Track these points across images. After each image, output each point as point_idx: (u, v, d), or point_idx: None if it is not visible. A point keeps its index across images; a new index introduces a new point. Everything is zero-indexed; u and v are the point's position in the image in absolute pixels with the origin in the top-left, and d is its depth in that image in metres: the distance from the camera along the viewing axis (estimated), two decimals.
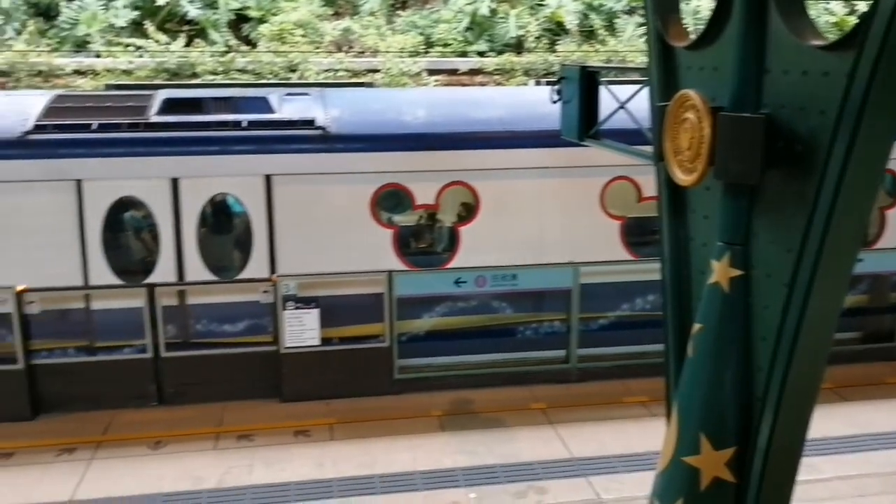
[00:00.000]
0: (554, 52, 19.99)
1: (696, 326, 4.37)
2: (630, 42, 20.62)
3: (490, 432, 8.83)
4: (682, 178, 4.25)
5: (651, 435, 7.80)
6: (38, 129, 9.43)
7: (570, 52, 19.76)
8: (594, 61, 18.56)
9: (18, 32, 19.34)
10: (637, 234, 10.31)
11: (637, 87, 7.04)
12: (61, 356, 9.36)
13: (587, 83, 8.25)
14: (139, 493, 7.66)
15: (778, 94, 3.85)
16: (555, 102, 8.73)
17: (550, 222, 10.18)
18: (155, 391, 9.45)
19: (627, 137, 7.52)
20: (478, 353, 10.07)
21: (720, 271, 4.22)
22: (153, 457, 8.36)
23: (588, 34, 21.06)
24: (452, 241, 10.22)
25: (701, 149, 4.04)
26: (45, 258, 9.30)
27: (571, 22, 20.73)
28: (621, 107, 7.49)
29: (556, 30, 21.15)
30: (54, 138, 9.41)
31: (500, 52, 19.88)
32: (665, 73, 4.78)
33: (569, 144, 8.88)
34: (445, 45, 20.11)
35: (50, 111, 9.75)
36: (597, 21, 21.09)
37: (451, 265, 10.07)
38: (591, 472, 8.00)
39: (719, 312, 4.26)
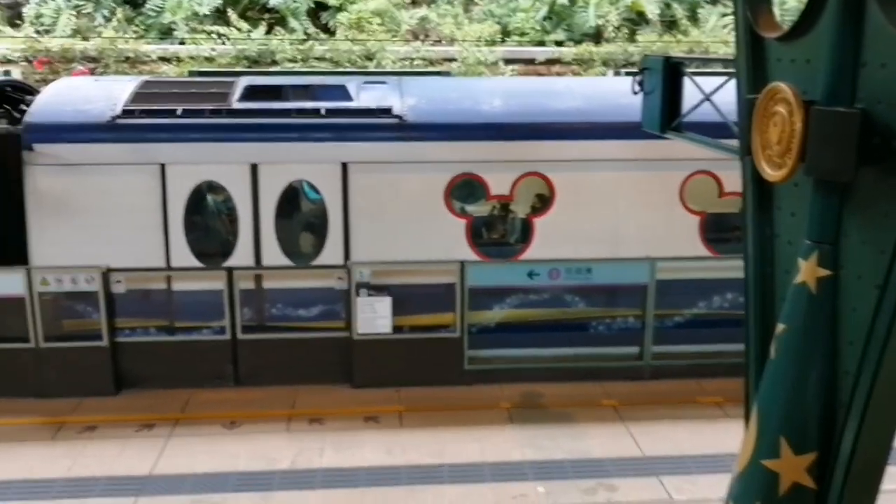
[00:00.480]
0: (634, 42, 19.63)
1: (780, 327, 4.23)
2: (713, 32, 20.09)
3: (559, 427, 8.76)
4: (771, 173, 4.10)
5: (726, 436, 7.64)
6: (126, 113, 9.73)
7: (651, 42, 19.38)
8: (675, 52, 18.15)
9: (107, 20, 20.02)
10: (717, 230, 10.06)
11: (722, 79, 6.84)
12: (143, 335, 9.68)
13: (670, 74, 8.03)
14: (214, 471, 7.86)
15: (874, 89, 3.67)
16: (636, 93, 8.53)
17: (627, 216, 10.01)
18: (231, 372, 9.68)
19: (709, 130, 7.31)
20: (549, 347, 9.99)
21: (807, 271, 4.07)
22: (228, 436, 8.57)
23: (669, 24, 20.61)
24: (526, 233, 10.14)
25: (791, 143, 3.89)
26: (130, 239, 9.61)
27: (653, 12, 20.32)
28: (706, 99, 7.27)
29: (636, 20, 20.76)
30: (141, 123, 9.70)
31: (578, 42, 19.63)
32: (754, 65, 4.61)
33: (648, 137, 8.70)
34: (522, 34, 19.96)
35: (137, 96, 10.04)
36: (679, 11, 20.62)
37: (524, 257, 10.01)
38: (664, 472, 7.86)
39: (805, 313, 4.11)
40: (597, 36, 20.16)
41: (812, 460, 4.14)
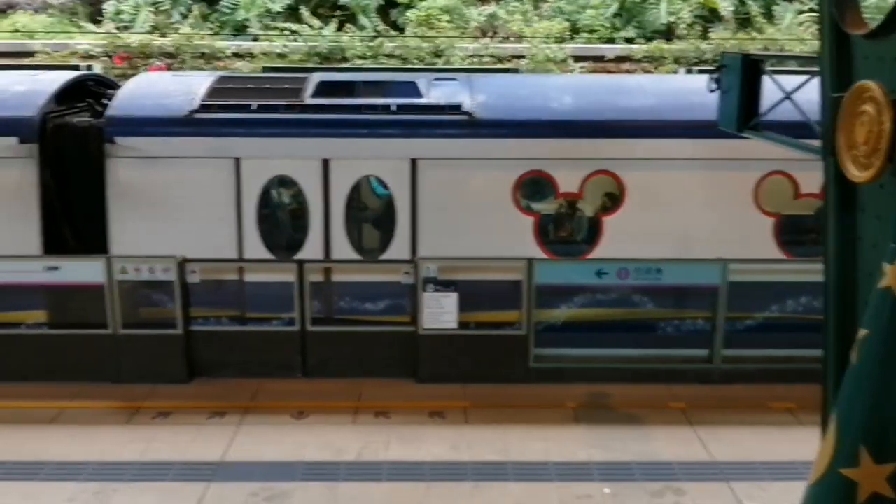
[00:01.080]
0: (707, 39, 19.25)
1: (862, 332, 4.09)
2: (789, 30, 19.55)
3: (626, 428, 8.67)
4: (856, 174, 3.99)
5: (798, 443, 7.48)
6: (203, 108, 9.98)
7: (724, 39, 18.95)
8: (750, 49, 17.73)
9: (184, 17, 20.55)
10: (792, 233, 9.81)
11: (800, 77, 6.67)
12: (216, 324, 9.91)
13: (749, 72, 7.86)
14: (282, 459, 8.01)
15: None
16: (712, 91, 8.38)
17: (699, 216, 9.84)
18: (300, 363, 9.85)
19: (786, 130, 7.14)
20: (616, 347, 9.87)
21: (893, 275, 3.94)
22: (296, 426, 8.72)
23: (743, 21, 20.13)
24: (595, 232, 10.06)
25: (879, 144, 3.77)
26: (205, 231, 9.87)
27: (726, 8, 19.88)
28: (787, 97, 7.10)
29: (709, 16, 20.34)
30: (217, 117, 9.94)
31: (648, 40, 19.33)
32: (839, 63, 4.48)
33: (722, 136, 8.53)
34: (592, 31, 19.76)
35: (213, 92, 10.29)
36: (753, 7, 20.12)
37: (592, 256, 9.93)
38: (733, 478, 7.70)
39: (889, 318, 3.96)
40: (668, 33, 19.83)
41: (893, 469, 4.02)
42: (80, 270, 9.68)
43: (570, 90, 10.50)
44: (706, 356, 9.77)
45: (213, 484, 7.58)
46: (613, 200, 10.01)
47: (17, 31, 20.25)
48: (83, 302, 9.72)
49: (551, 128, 9.90)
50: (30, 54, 19.06)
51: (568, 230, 10.33)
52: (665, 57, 18.49)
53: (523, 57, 18.32)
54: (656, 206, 9.88)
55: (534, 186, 10.04)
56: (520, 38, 19.31)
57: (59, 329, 9.82)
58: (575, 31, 19.92)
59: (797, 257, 9.59)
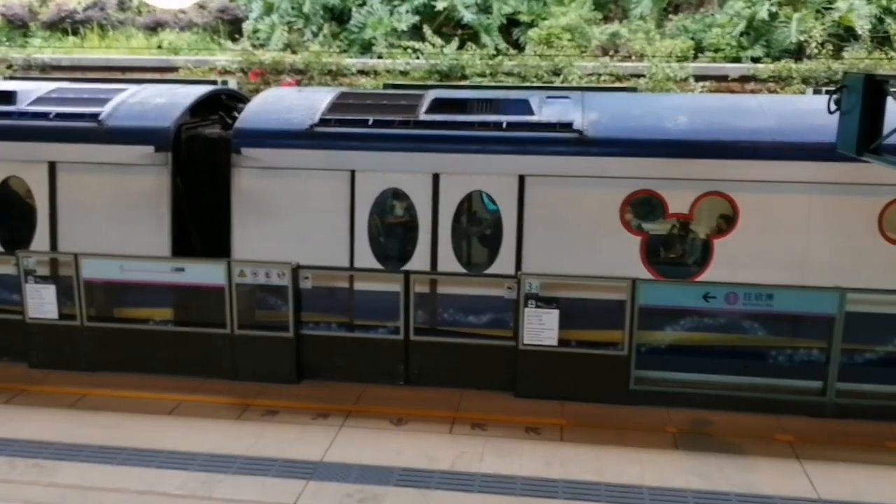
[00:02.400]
0: (839, 59, 18.39)
1: None
2: None
3: (727, 458, 8.38)
4: None
5: None
6: (323, 122, 10.44)
7: (858, 59, 18.04)
8: (885, 69, 16.82)
9: (315, 35, 21.43)
10: None
11: None
12: (325, 329, 10.28)
13: (872, 93, 7.54)
14: (379, 464, 8.21)
15: None
16: (832, 112, 8.08)
17: (817, 242, 9.46)
18: (402, 371, 10.08)
19: None
20: (722, 374, 9.55)
21: None
22: (394, 432, 8.93)
23: (881, 40, 19.10)
24: (704, 254, 9.83)
25: None
26: (319, 239, 10.29)
27: (863, 27, 18.91)
28: None
29: (843, 35, 19.42)
30: (335, 131, 10.37)
31: (776, 59, 18.65)
32: None
33: (845, 159, 8.19)
34: (717, 49, 19.25)
35: (334, 107, 10.74)
36: (893, 26, 19.06)
37: (700, 278, 9.70)
38: None
39: None
40: (798, 52, 19.07)
41: None
42: (204, 272, 10.24)
43: (684, 109, 10.32)
44: (819, 388, 9.31)
45: (311, 482, 7.87)
46: (725, 222, 9.75)
47: (159, 47, 21.70)
48: (205, 302, 10.29)
49: (663, 147, 9.77)
50: (174, 69, 20.41)
51: (676, 251, 10.14)
52: (793, 77, 17.79)
53: (643, 76, 18.07)
54: (771, 230, 9.57)
55: (642, 206, 9.93)
56: (641, 56, 19.05)
57: (182, 326, 10.46)
58: (699, 49, 19.47)
59: None
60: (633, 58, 19.32)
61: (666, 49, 18.73)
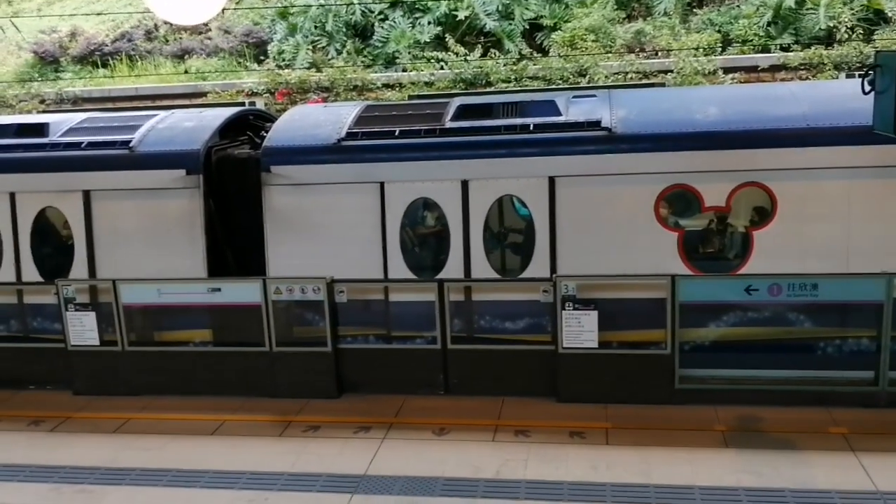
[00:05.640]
0: (870, 43, 18.01)
1: None
2: None
3: (779, 454, 8.15)
4: None
5: None
6: (350, 136, 10.45)
7: (891, 41, 17.66)
8: None
9: (339, 52, 21.58)
10: None
11: None
12: (362, 342, 10.25)
13: None
14: (423, 475, 8.13)
15: None
16: (867, 93, 7.88)
17: (859, 227, 9.21)
18: (442, 380, 10.00)
19: None
20: (769, 368, 9.32)
21: None
22: (437, 442, 8.84)
23: None
24: (744, 246, 9.63)
25: None
26: (352, 253, 10.28)
27: (893, 9, 18.51)
28: None
29: (873, 19, 19.02)
30: (363, 144, 10.37)
31: (806, 46, 18.32)
32: None
33: (883, 141, 7.98)
34: (745, 41, 18.97)
35: (360, 120, 10.75)
36: None
37: (741, 271, 9.50)
38: None
39: None
40: (828, 38, 18.72)
41: None
42: (240, 291, 10.28)
43: (714, 101, 10.15)
44: (871, 378, 9.04)
45: (356, 496, 7.81)
46: (764, 213, 9.55)
47: (187, 72, 22.00)
48: (242, 321, 10.32)
49: (695, 140, 9.60)
50: (202, 94, 20.67)
51: (715, 245, 9.94)
52: (824, 63, 17.45)
53: (670, 71, 17.87)
54: (812, 217, 9.35)
55: (677, 201, 9.76)
56: (667, 52, 18.86)
57: (221, 346, 10.50)
58: (727, 42, 19.21)
59: None
60: (659, 54, 19.13)
61: (692, 43, 18.51)
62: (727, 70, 17.74)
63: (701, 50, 18.33)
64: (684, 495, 7.53)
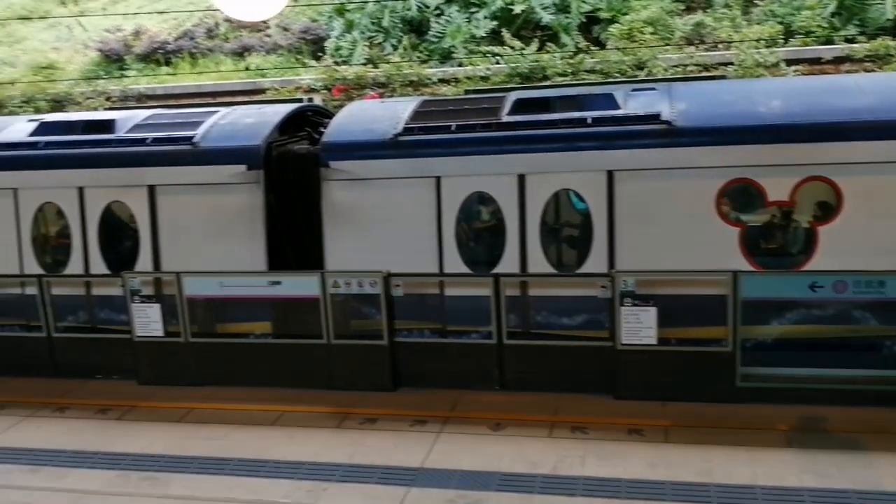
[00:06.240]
0: None
1: None
2: None
3: (845, 454, 7.96)
4: None
5: None
6: (407, 131, 10.50)
7: None
8: None
9: (395, 48, 21.66)
10: None
11: None
12: (418, 336, 10.31)
13: None
14: (478, 469, 8.15)
15: None
16: None
17: None
18: (497, 376, 9.99)
19: None
20: (834, 367, 9.09)
21: None
22: (492, 437, 8.85)
23: None
24: (809, 242, 9.40)
25: None
26: (408, 247, 10.33)
27: None
28: None
29: None
30: (419, 139, 10.41)
31: (871, 37, 17.74)
32: None
33: None
34: (808, 32, 18.46)
35: (416, 115, 10.80)
36: None
37: (805, 268, 9.28)
38: None
39: None
40: (894, 29, 18.09)
41: None
42: (299, 285, 10.45)
43: (777, 93, 9.93)
44: None
45: (413, 489, 7.87)
46: (829, 208, 9.31)
47: (247, 69, 22.36)
48: (303, 314, 10.47)
49: (758, 133, 9.41)
50: (262, 91, 20.97)
51: (778, 241, 9.72)
52: (891, 55, 16.87)
53: (731, 64, 17.49)
54: (881, 213, 9.08)
55: (739, 195, 9.57)
56: (727, 45, 18.46)
57: (280, 339, 10.67)
58: (789, 33, 18.72)
59: None
60: (720, 46, 18.74)
61: (754, 35, 18.08)
62: (790, 62, 17.27)
63: (762, 42, 17.88)
64: (746, 495, 7.41)
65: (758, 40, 17.81)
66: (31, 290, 11.46)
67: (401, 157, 10.43)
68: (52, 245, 11.87)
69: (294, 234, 11.46)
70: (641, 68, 17.81)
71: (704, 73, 16.51)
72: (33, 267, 11.66)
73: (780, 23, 18.97)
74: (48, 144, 11.66)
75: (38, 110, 20.65)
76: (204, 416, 9.85)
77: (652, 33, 19.08)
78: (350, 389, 10.14)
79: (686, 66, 17.72)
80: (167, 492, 8.13)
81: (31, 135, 11.94)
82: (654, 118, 9.72)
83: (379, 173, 10.49)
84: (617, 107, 10.07)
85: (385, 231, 10.44)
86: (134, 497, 8.08)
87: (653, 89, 10.52)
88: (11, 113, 20.35)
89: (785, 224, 9.64)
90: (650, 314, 9.22)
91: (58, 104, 21.32)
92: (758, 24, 19.06)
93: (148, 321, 10.83)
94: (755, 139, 9.34)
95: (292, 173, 11.26)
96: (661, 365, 9.31)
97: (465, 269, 10.24)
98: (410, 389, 10.17)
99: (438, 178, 10.25)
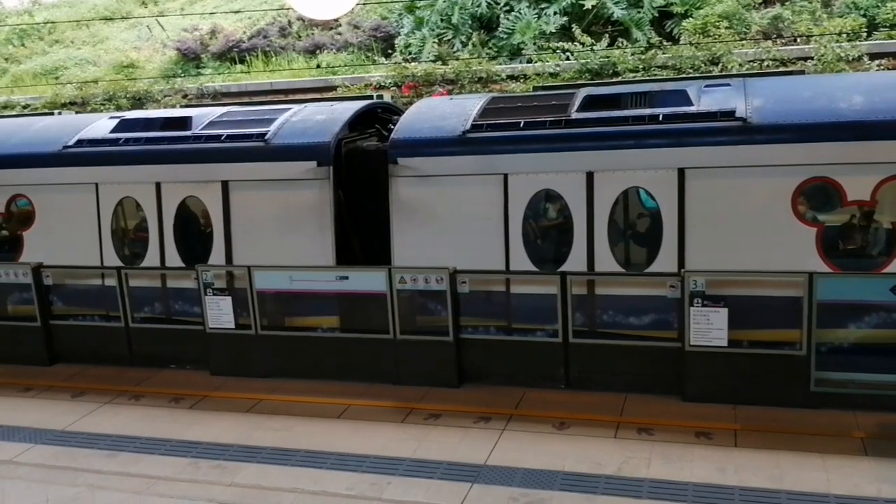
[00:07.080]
0: None
1: None
2: None
3: None
4: None
5: None
6: (475, 128, 10.50)
7: None
8: None
9: (464, 45, 21.67)
10: None
11: None
12: (483, 333, 10.30)
13: None
14: (542, 468, 8.10)
15: None
16: None
17: None
18: (563, 374, 9.92)
19: None
20: None
21: None
22: (557, 436, 8.79)
23: None
24: (890, 243, 9.04)
25: None
26: (475, 244, 10.34)
27: None
28: None
29: None
30: (487, 136, 10.39)
31: None
32: None
33: None
34: (892, 25, 17.74)
35: (485, 112, 10.78)
36: None
37: (886, 270, 8.92)
38: None
39: None
40: None
41: None
42: (367, 280, 10.55)
43: (859, 88, 9.56)
44: None
45: (475, 485, 7.87)
46: None
47: (318, 66, 22.69)
48: (368, 309, 10.59)
49: (838, 130, 9.08)
50: (332, 88, 21.26)
51: (858, 242, 9.37)
52: None
53: (811, 58, 16.94)
54: None
55: (816, 194, 9.26)
56: (807, 38, 17.88)
57: (347, 333, 10.81)
58: (873, 26, 18.03)
59: None
60: (799, 41, 18.16)
61: (835, 28, 17.47)
62: (873, 56, 16.62)
63: (844, 35, 17.26)
64: (819, 503, 7.18)
65: (839, 34, 17.19)
66: (111, 282, 11.87)
67: (469, 154, 10.43)
68: (130, 238, 12.27)
69: (362, 230, 11.60)
70: (716, 64, 17.40)
71: (782, 69, 16.02)
72: (113, 259, 12.08)
73: (863, 15, 18.29)
74: (128, 141, 12.05)
75: (119, 108, 21.40)
76: (272, 408, 10.06)
77: (727, 27, 18.62)
78: (415, 384, 10.23)
79: (763, 61, 17.24)
80: (235, 480, 8.33)
81: (112, 131, 12.36)
82: (729, 115, 9.49)
83: (447, 170, 10.51)
84: (690, 103, 9.87)
85: (452, 228, 10.47)
86: (202, 484, 8.30)
87: (727, 85, 10.26)
88: (94, 110, 21.15)
89: (865, 224, 9.28)
90: (721, 315, 9.01)
91: (137, 101, 22.04)
92: (839, 16, 18.40)
93: (220, 313, 11.11)
94: (834, 136, 9.02)
95: (361, 170, 11.39)
96: (732, 367, 9.10)
97: (531, 267, 10.18)
98: (475, 386, 10.18)
99: (506, 176, 10.22)
